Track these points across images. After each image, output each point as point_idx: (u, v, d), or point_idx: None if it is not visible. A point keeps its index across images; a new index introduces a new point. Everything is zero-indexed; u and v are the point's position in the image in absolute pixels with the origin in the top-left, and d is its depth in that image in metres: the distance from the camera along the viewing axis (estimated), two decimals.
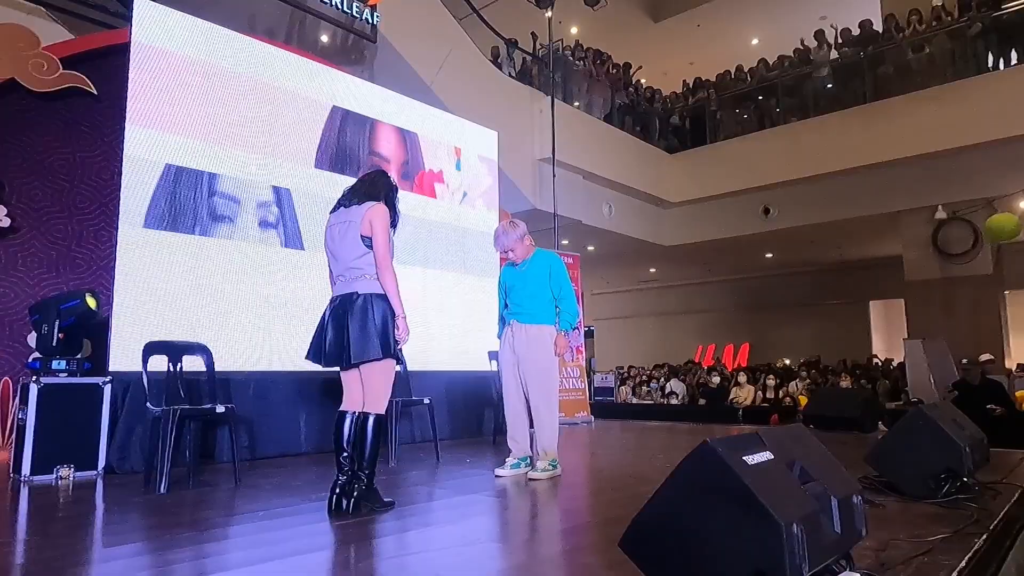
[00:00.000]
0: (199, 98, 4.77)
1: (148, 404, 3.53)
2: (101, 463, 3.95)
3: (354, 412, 2.92)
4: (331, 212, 3.05)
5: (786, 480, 1.59)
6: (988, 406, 6.22)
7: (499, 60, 10.26)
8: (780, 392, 9.98)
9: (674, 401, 10.65)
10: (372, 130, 5.88)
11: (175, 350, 3.80)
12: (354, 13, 7.20)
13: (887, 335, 14.40)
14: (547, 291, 3.88)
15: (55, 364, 3.91)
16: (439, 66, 8.33)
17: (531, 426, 3.94)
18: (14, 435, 4.00)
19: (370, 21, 7.29)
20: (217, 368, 4.03)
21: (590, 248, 12.48)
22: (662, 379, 12.23)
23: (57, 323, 3.79)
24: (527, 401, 3.87)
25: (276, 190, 5.12)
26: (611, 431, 7.08)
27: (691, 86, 13.10)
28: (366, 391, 2.91)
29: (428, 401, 4.65)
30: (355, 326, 2.79)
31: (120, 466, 4.00)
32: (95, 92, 4.87)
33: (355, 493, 2.77)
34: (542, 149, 9.46)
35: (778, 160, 10.72)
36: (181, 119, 4.65)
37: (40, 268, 4.71)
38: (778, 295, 15.59)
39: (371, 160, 5.80)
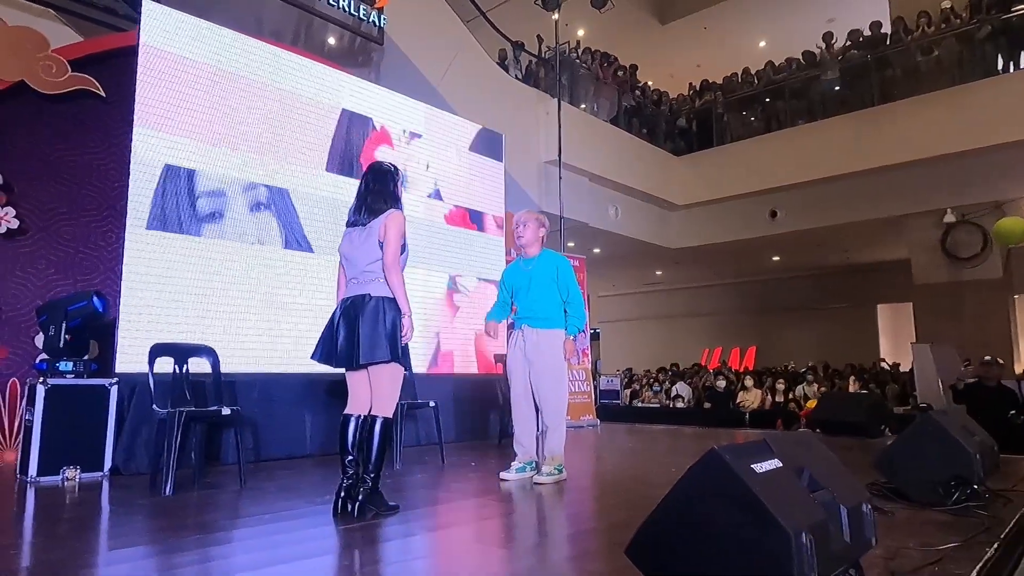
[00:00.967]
0: (207, 100, 4.78)
1: (154, 406, 3.53)
2: (107, 464, 3.96)
3: (359, 415, 2.93)
4: (348, 226, 3.05)
5: (795, 488, 1.58)
6: (1011, 412, 6.11)
7: (506, 63, 10.26)
8: (788, 396, 9.93)
9: (680, 405, 10.61)
10: (378, 133, 5.88)
11: (181, 352, 3.81)
12: (361, 15, 7.21)
13: (895, 339, 14.32)
14: (555, 293, 3.85)
15: (62, 365, 3.93)
16: (445, 68, 8.33)
17: (537, 430, 3.92)
18: (21, 436, 4.01)
19: (377, 23, 7.30)
20: (223, 370, 4.03)
21: (596, 251, 12.46)
22: (667, 382, 12.19)
23: (64, 324, 3.80)
24: (536, 405, 3.85)
25: (284, 192, 5.13)
26: (617, 434, 7.05)
27: (698, 88, 13.07)
28: (374, 394, 2.92)
29: (434, 404, 4.64)
30: (366, 327, 2.80)
31: (126, 467, 4.00)
32: (103, 94, 4.89)
33: (360, 497, 2.77)
34: (548, 151, 9.45)
35: (785, 163, 10.68)
36: (189, 121, 4.67)
37: (49, 269, 4.73)
38: (785, 298, 15.52)
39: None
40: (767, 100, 11.86)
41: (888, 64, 10.37)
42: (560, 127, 9.25)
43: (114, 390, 4.02)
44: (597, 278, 15.60)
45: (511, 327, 4.01)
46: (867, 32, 10.77)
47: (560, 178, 9.11)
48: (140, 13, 4.54)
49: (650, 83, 13.25)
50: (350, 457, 2.86)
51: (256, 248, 4.90)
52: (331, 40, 8.05)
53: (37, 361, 4.04)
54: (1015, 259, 10.41)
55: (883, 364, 12.51)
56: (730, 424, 8.80)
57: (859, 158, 9.92)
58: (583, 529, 2.85)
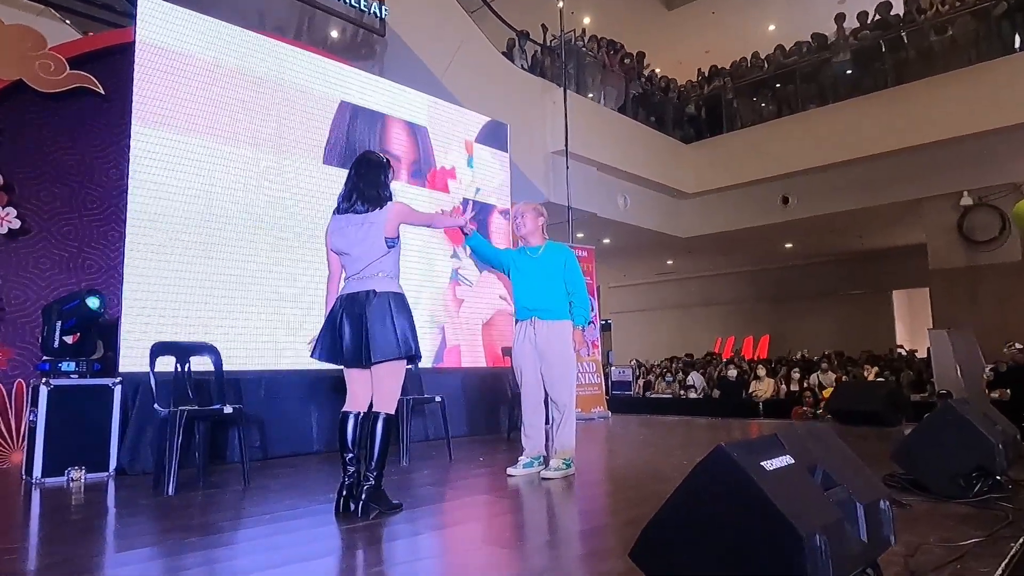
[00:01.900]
0: (205, 96, 4.73)
1: (155, 405, 3.50)
2: (112, 464, 3.94)
3: (358, 412, 2.87)
4: (337, 214, 2.95)
5: (807, 486, 1.49)
6: None
7: (512, 52, 10.13)
8: (804, 384, 9.79)
9: (693, 395, 10.51)
10: (383, 126, 5.81)
11: (183, 350, 3.77)
12: (362, 7, 7.13)
13: (911, 325, 14.11)
14: (562, 285, 3.80)
15: (65, 366, 3.90)
16: (449, 59, 8.24)
17: (547, 423, 3.86)
18: (27, 437, 4.00)
19: (378, 15, 7.22)
20: (229, 368, 3.99)
21: (606, 241, 12.35)
22: (679, 372, 12.08)
23: (59, 324, 3.76)
24: (546, 397, 3.80)
25: (285, 187, 5.07)
26: (628, 426, 6.97)
27: (707, 74, 12.88)
28: (376, 391, 2.86)
29: (440, 399, 4.58)
30: (376, 324, 2.75)
31: (131, 467, 3.98)
32: (103, 91, 4.85)
33: (363, 495, 2.71)
34: (555, 141, 9.34)
35: (797, 148, 10.50)
36: (187, 117, 4.62)
37: (52, 269, 4.70)
38: (798, 286, 15.33)
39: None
40: (777, 85, 11.67)
41: (901, 45, 10.14)
42: (567, 117, 9.13)
43: (118, 390, 3.99)
44: (608, 269, 15.48)
45: (516, 319, 3.93)
46: (879, 13, 10.55)
47: (567, 168, 9.00)
48: (136, 9, 4.49)
49: (658, 70, 13.08)
50: (350, 455, 2.81)
51: (260, 244, 4.86)
52: (334, 33, 7.99)
53: (40, 362, 4.01)
54: None
55: (900, 351, 12.32)
56: (743, 414, 8.70)
57: (873, 141, 9.74)
58: (595, 526, 2.77)
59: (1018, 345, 7.64)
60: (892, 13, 10.47)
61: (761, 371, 10.26)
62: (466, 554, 2.36)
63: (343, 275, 2.95)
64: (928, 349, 9.03)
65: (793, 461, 1.52)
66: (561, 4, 9.71)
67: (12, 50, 4.54)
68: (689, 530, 1.42)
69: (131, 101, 4.38)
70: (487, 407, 6.00)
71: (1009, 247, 9.40)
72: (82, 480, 3.75)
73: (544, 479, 3.58)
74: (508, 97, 8.86)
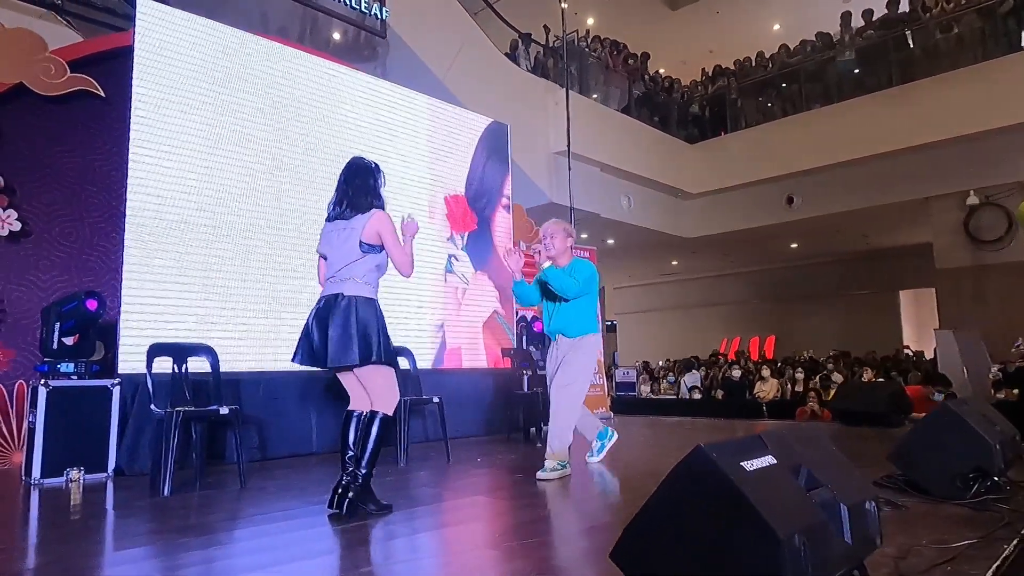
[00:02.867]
0: (204, 99, 4.76)
1: (152, 406, 3.51)
2: (111, 465, 3.96)
3: (360, 412, 2.89)
4: (327, 221, 2.99)
5: (789, 487, 1.48)
6: None
7: (516, 54, 10.12)
8: (808, 385, 9.72)
9: (696, 396, 10.46)
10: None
11: (180, 351, 3.78)
12: (363, 9, 7.14)
13: (918, 325, 14.01)
14: (586, 298, 3.91)
15: (63, 367, 3.92)
16: (451, 61, 8.24)
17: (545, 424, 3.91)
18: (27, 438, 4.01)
19: (379, 16, 7.23)
20: (228, 369, 4.00)
21: (609, 242, 12.32)
22: (680, 373, 12.03)
23: (58, 326, 3.78)
24: None
25: (285, 190, 5.08)
26: (631, 427, 6.94)
27: (711, 74, 12.84)
28: (371, 394, 2.88)
29: (437, 400, 4.58)
30: (336, 329, 2.74)
31: (130, 468, 3.99)
32: (103, 94, 4.87)
33: (350, 494, 2.71)
34: (558, 142, 9.32)
35: (801, 148, 10.45)
36: (187, 120, 4.64)
37: (53, 271, 4.72)
38: (804, 286, 15.25)
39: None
40: (782, 84, 11.61)
41: (907, 43, 10.07)
42: (569, 117, 9.11)
43: (116, 391, 4.01)
44: (612, 269, 15.45)
45: (549, 339, 4.09)
46: (884, 11, 10.48)
47: (570, 168, 8.98)
48: (135, 12, 4.51)
49: (662, 71, 13.05)
50: (350, 453, 2.82)
51: (259, 245, 4.87)
52: (336, 36, 8.01)
53: (39, 363, 4.03)
54: None
55: (906, 351, 12.24)
56: (747, 415, 8.64)
57: (878, 141, 9.67)
58: (590, 526, 2.76)
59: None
60: (898, 11, 10.39)
61: (765, 372, 10.20)
62: (460, 555, 2.35)
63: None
64: (935, 349, 8.96)
65: (775, 461, 1.50)
66: (565, 5, 9.69)
67: (13, 54, 4.57)
68: (668, 531, 1.41)
69: (130, 104, 4.41)
70: (487, 408, 6.00)
71: (1016, 246, 9.31)
72: (81, 481, 3.77)
73: (539, 480, 3.57)
74: (510, 98, 8.85)
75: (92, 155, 4.92)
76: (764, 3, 13.68)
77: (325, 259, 2.95)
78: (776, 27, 13.75)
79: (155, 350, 3.68)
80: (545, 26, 10.66)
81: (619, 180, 10.71)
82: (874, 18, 10.63)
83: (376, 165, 3.02)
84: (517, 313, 6.95)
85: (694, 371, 11.61)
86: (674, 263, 15.38)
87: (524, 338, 6.80)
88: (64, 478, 3.75)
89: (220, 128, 4.81)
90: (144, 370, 3.68)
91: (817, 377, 9.60)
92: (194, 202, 4.61)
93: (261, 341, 4.79)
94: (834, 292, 14.85)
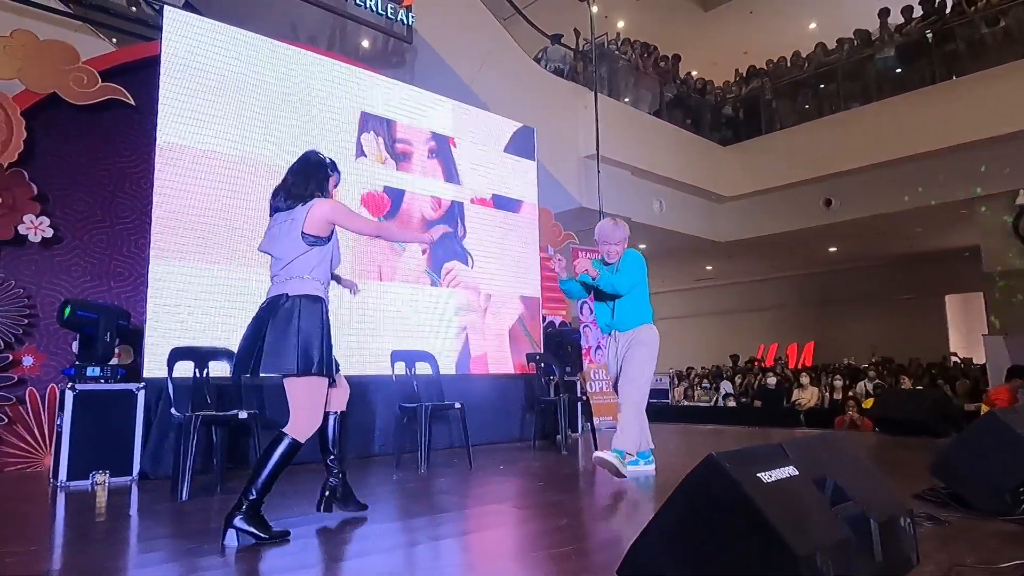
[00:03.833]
0: (231, 106, 4.79)
1: (172, 410, 3.51)
2: (136, 469, 3.98)
3: (335, 412, 2.86)
4: (270, 216, 2.72)
5: (812, 501, 1.36)
6: None
7: (547, 56, 10.05)
8: (848, 393, 9.41)
9: (731, 403, 10.20)
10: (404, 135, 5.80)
11: (201, 355, 3.79)
12: (389, 15, 7.15)
13: (966, 331, 13.45)
14: (636, 289, 3.92)
15: (90, 371, 3.96)
16: (479, 65, 8.22)
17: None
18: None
19: (405, 22, 7.23)
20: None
21: (642, 246, 12.12)
22: (713, 380, 11.77)
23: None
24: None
25: None
26: (661, 435, 6.75)
27: (744, 75, 12.59)
28: (290, 408, 2.55)
29: (459, 406, 4.51)
30: (273, 333, 2.45)
31: (154, 472, 4.02)
32: (133, 103, 4.95)
33: (230, 516, 2.41)
34: (587, 146, 9.22)
35: (839, 148, 10.14)
36: (213, 128, 4.68)
37: (84, 277, 4.81)
38: (844, 291, 14.79)
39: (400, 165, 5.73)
40: (821, 86, 11.28)
41: (950, 38, 9.71)
42: (598, 121, 9.00)
43: (141, 395, 4.04)
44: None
45: (605, 333, 4.11)
46: (924, 7, 10.13)
47: (599, 172, 8.87)
48: (162, 21, 4.58)
49: (694, 73, 12.84)
50: (331, 456, 2.86)
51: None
52: (364, 43, 8.06)
53: (67, 367, 4.09)
54: None
55: (953, 358, 11.76)
56: (784, 424, 8.38)
57: (921, 140, 9.32)
58: (608, 538, 2.65)
59: None
60: (939, 5, 10.03)
61: (804, 379, 9.90)
62: (468, 566, 2.27)
63: None
64: (984, 356, 8.58)
65: (797, 472, 1.38)
66: (595, 9, 9.61)
67: (47, 65, 4.67)
68: (678, 546, 1.31)
69: (157, 112, 4.47)
70: (511, 414, 5.91)
71: None
72: (106, 484, 3.80)
73: (594, 458, 3.73)
74: (538, 102, 8.79)
75: (123, 163, 5.00)
76: (800, 2, 13.38)
77: (272, 257, 2.66)
78: (812, 26, 13.43)
79: (176, 354, 3.69)
80: (575, 30, 10.58)
81: (651, 183, 10.55)
82: (914, 14, 10.28)
83: (332, 162, 2.77)
84: (544, 319, 6.86)
85: (726, 379, 11.34)
86: (708, 268, 15.09)
87: (553, 344, 6.71)
88: (89, 481, 3.78)
89: (246, 134, 4.83)
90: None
91: (858, 385, 9.28)
92: (219, 208, 4.63)
93: None
94: (876, 297, 14.37)
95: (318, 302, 2.56)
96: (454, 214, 5.98)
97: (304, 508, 3.13)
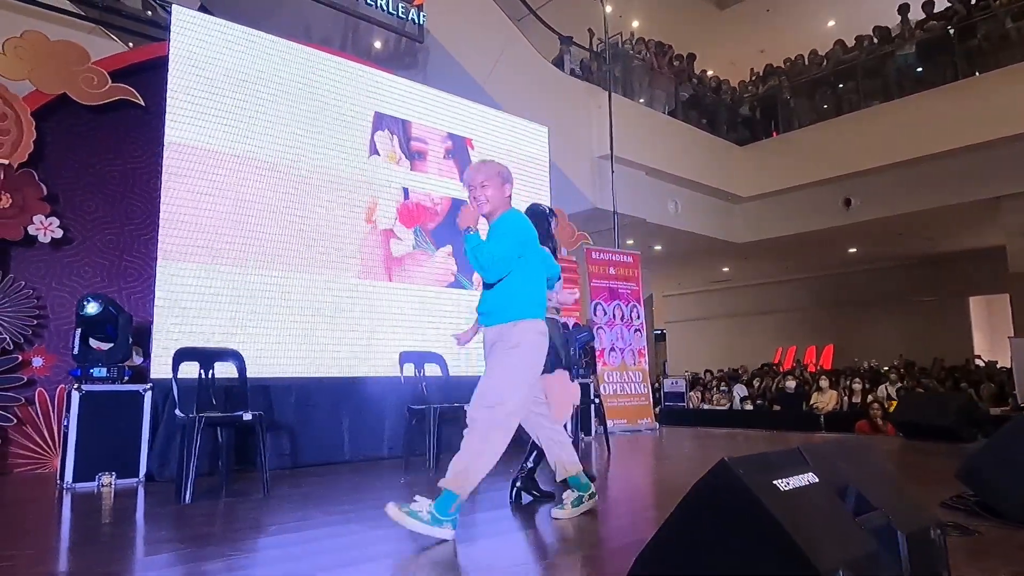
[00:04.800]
0: (241, 106, 4.76)
1: (176, 411, 3.47)
2: (142, 470, 3.95)
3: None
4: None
5: (833, 511, 1.26)
6: None
7: (561, 58, 9.96)
8: (868, 397, 9.20)
9: (748, 407, 10.03)
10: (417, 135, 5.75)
11: (206, 356, 3.74)
12: (400, 14, 7.11)
13: (990, 334, 13.15)
14: (517, 269, 2.72)
15: (96, 372, 3.94)
16: (492, 65, 8.15)
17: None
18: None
19: (417, 21, 7.18)
20: (259, 374, 3.95)
21: (657, 248, 12.00)
22: (733, 382, 11.59)
23: (79, 331, 3.81)
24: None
25: (321, 199, 5.05)
26: (676, 439, 6.66)
27: (761, 74, 12.41)
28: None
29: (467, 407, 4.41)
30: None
31: (160, 474, 3.98)
32: (143, 103, 4.93)
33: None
34: (601, 146, 9.12)
35: (859, 147, 9.94)
36: (222, 128, 4.65)
37: (95, 277, 4.79)
38: (864, 292, 14.52)
39: (415, 164, 5.67)
40: (840, 85, 11.07)
41: (973, 33, 9.49)
42: (612, 121, 8.90)
43: (148, 396, 4.01)
44: (660, 277, 15.08)
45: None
46: (947, 1, 9.91)
47: (612, 172, 8.76)
48: (170, 22, 4.56)
49: (709, 72, 12.69)
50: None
51: (293, 253, 4.83)
52: (377, 43, 8.03)
53: (73, 368, 4.06)
54: None
55: (977, 361, 11.49)
56: (803, 428, 8.20)
57: (942, 138, 9.10)
58: (618, 546, 2.56)
59: None
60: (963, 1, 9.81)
61: (824, 382, 9.71)
62: (474, 573, 2.19)
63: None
64: (1010, 359, 8.34)
65: (817, 480, 1.28)
66: (609, 9, 9.51)
67: (57, 65, 4.66)
68: (686, 559, 1.21)
69: (165, 112, 4.45)
70: None
71: None
72: (112, 486, 3.76)
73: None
74: (552, 102, 8.70)
75: (132, 163, 4.98)
76: None
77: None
78: (830, 23, 13.22)
79: (181, 355, 3.65)
80: (590, 29, 10.49)
81: (666, 184, 10.42)
82: (935, 9, 10.06)
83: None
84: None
85: (740, 384, 11.16)
86: (725, 269, 14.90)
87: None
88: (96, 483, 3.75)
89: (256, 134, 4.80)
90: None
91: (879, 388, 9.07)
92: (227, 209, 4.60)
93: (294, 347, 4.74)
94: (897, 299, 14.09)
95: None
96: None
97: (306, 512, 3.07)
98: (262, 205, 4.76)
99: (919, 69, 10.04)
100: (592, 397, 6.16)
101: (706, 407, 11.14)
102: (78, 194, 4.75)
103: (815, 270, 14.72)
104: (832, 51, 11.36)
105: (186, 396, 3.58)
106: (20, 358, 4.39)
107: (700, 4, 13.90)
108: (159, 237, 4.31)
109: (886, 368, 11.20)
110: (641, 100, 10.51)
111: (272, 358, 4.61)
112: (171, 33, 4.57)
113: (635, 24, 12.96)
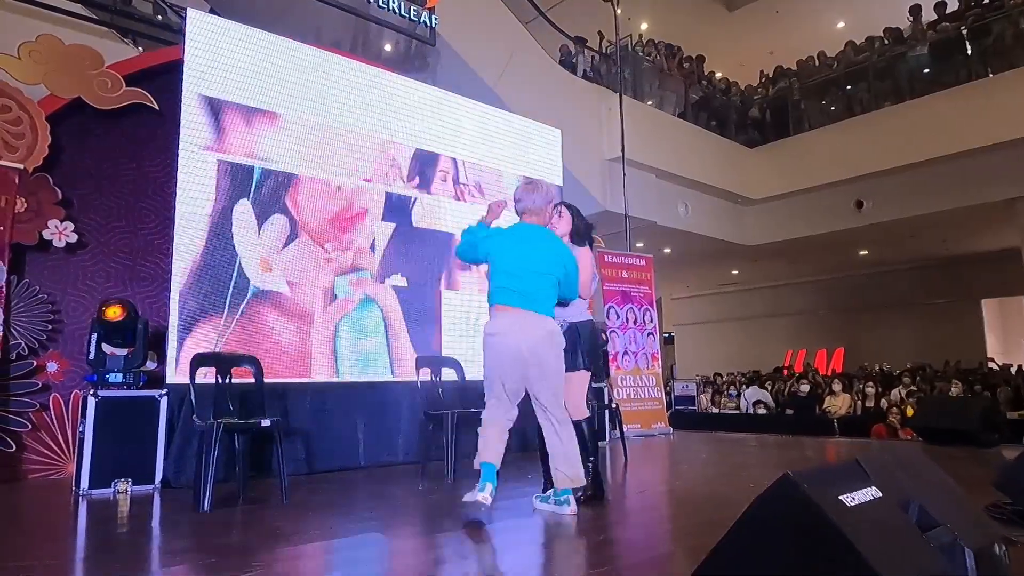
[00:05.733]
0: (254, 111, 4.72)
1: (194, 417, 3.43)
2: (158, 477, 3.91)
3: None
4: None
5: (900, 527, 1.21)
6: None
7: (573, 60, 9.92)
8: (882, 401, 9.11)
9: (761, 411, 9.95)
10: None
11: (223, 362, 3.70)
12: (412, 17, 7.09)
13: (1003, 337, 13.05)
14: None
15: (112, 377, 3.90)
16: (502, 68, 8.12)
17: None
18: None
19: (428, 24, 7.16)
20: (275, 379, 3.91)
21: (667, 250, 11.94)
22: (743, 385, 11.51)
23: (95, 336, 3.77)
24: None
25: (336, 202, 5.01)
26: (690, 443, 6.59)
27: (771, 76, 12.36)
28: None
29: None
30: None
31: (176, 480, 3.94)
32: (157, 107, 4.91)
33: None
34: (611, 148, 9.08)
35: (870, 149, 9.87)
36: (236, 132, 4.62)
37: (109, 282, 4.76)
38: (876, 295, 14.42)
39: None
40: (848, 87, 11.01)
41: (986, 33, 9.41)
42: (623, 123, 8.86)
43: (164, 401, 3.97)
44: (669, 280, 15.02)
45: None
46: (959, 1, 9.85)
47: (624, 175, 8.71)
48: (185, 25, 4.54)
49: (719, 74, 12.64)
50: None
51: (307, 256, 4.80)
52: (387, 47, 8.01)
53: (89, 373, 4.03)
54: None
55: (991, 364, 11.39)
56: (816, 432, 8.12)
57: (955, 139, 9.03)
58: (650, 557, 2.50)
59: None
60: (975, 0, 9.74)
61: (837, 386, 9.63)
62: None
63: None
64: None
65: (881, 495, 1.23)
66: (619, 11, 9.47)
67: (72, 70, 4.64)
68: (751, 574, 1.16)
69: (180, 116, 4.42)
70: None
71: None
72: (128, 493, 3.72)
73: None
74: (562, 104, 8.67)
75: (147, 167, 4.95)
76: (827, 0, 13.11)
77: None
78: (840, 24, 13.16)
79: (198, 360, 3.61)
80: (599, 32, 10.46)
81: (676, 186, 10.37)
82: (947, 10, 9.99)
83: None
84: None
85: (756, 386, 11.06)
86: (735, 272, 14.83)
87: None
88: (112, 489, 3.71)
89: (267, 139, 4.77)
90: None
91: (891, 392, 8.99)
92: (243, 212, 4.56)
93: (309, 352, 4.70)
94: (909, 302, 13.99)
95: None
96: None
97: (326, 520, 3.02)
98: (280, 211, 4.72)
99: (928, 71, 9.96)
100: (607, 401, 6.10)
101: (715, 411, 11.07)
102: (93, 198, 4.72)
103: (825, 273, 14.64)
104: (843, 52, 11.30)
105: (203, 402, 3.54)
106: (35, 363, 4.36)
107: (709, 5, 13.85)
108: (174, 241, 4.27)
109: (899, 371, 11.11)
110: (651, 102, 10.47)
111: (289, 363, 4.56)
112: (186, 36, 4.54)
113: (644, 26, 12.92)
